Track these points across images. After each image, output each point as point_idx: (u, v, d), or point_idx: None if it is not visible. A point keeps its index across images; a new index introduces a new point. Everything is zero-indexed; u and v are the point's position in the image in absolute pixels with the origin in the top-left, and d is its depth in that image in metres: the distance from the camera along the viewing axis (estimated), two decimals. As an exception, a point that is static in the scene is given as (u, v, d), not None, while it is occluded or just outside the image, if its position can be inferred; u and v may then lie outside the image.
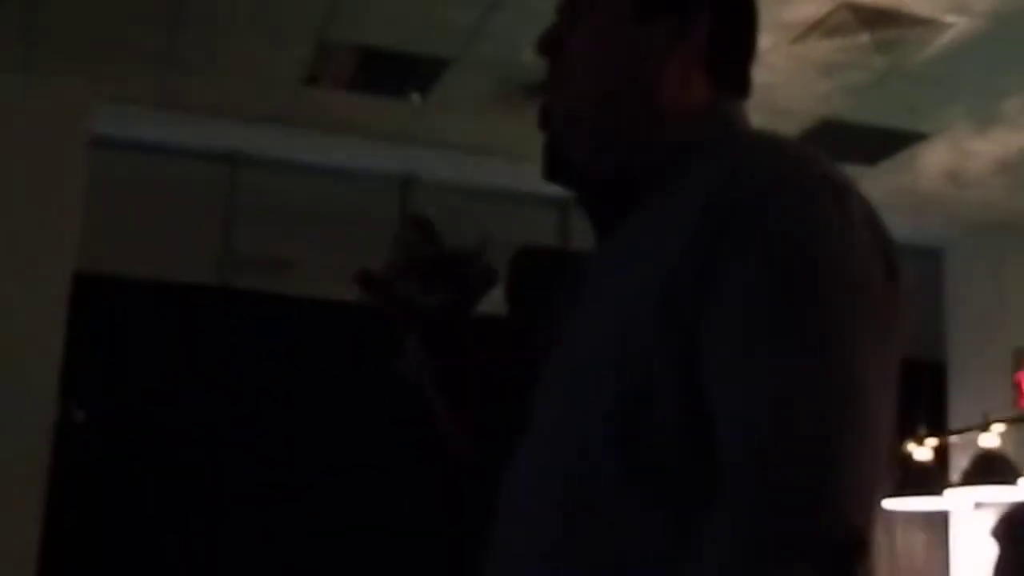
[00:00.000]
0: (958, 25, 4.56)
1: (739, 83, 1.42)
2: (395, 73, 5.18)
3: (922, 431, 4.88)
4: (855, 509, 1.10)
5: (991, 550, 3.69)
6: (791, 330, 1.14)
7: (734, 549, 1.09)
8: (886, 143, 5.59)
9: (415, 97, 5.36)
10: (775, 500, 1.09)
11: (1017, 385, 6.01)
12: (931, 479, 4.82)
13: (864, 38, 4.70)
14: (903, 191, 5.88)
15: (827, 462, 1.10)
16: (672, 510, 1.17)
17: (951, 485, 4.61)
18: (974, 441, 4.67)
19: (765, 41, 4.20)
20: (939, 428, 5.10)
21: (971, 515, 5.50)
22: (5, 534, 4.79)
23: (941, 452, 4.99)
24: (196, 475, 5.47)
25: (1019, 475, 4.35)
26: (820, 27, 4.59)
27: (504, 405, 1.47)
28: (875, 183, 1.20)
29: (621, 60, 1.37)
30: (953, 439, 4.95)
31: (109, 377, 5.30)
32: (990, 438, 4.60)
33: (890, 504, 4.80)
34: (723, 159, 1.26)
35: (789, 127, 5.17)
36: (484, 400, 1.55)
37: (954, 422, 5.37)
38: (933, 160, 5.78)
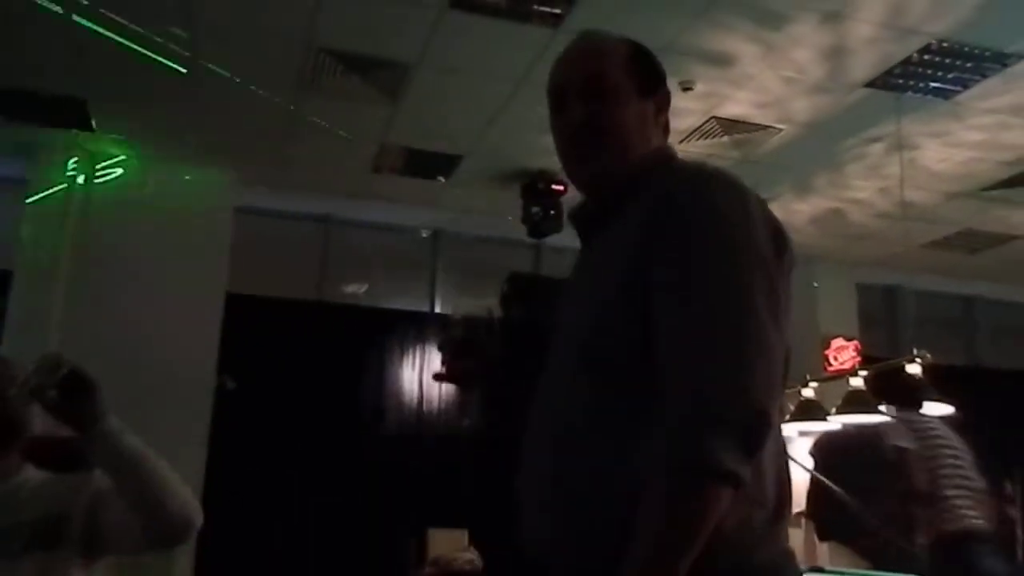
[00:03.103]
0: (786, 130, 4.59)
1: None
2: (428, 164, 5.18)
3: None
4: (761, 396, 1.07)
5: (809, 463, 3.69)
6: (709, 283, 1.12)
7: (678, 423, 1.06)
8: (740, 205, 5.59)
9: (441, 179, 5.36)
10: (704, 390, 1.06)
11: (825, 358, 6.03)
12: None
13: (725, 139, 4.72)
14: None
15: (739, 363, 1.08)
16: (628, 403, 1.14)
17: (785, 421, 4.60)
18: (799, 392, 4.65)
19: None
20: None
21: (798, 441, 5.51)
22: (181, 464, 4.70)
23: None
24: (308, 426, 5.45)
25: (827, 414, 4.33)
26: (696, 132, 4.62)
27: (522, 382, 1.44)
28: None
29: (634, 125, 1.35)
30: (786, 391, 4.94)
31: (249, 359, 5.27)
32: (808, 391, 4.59)
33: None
34: (666, 180, 1.25)
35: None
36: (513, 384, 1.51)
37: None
38: (770, 216, 5.79)
